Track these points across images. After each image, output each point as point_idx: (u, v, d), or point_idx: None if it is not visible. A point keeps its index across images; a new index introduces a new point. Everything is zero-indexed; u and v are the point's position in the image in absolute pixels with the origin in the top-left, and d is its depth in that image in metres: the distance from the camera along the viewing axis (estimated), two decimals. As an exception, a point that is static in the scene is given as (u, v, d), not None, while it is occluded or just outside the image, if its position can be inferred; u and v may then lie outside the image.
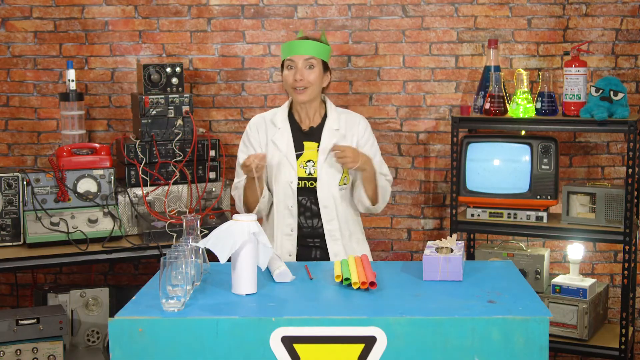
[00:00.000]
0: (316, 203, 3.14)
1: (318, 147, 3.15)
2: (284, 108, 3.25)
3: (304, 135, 3.19)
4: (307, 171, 3.15)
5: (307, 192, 3.15)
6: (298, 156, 3.15)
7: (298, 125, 3.21)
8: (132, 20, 4.26)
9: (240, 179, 3.21)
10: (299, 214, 3.15)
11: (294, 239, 3.15)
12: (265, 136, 3.21)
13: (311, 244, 3.17)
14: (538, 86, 3.92)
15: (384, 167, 3.27)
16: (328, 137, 3.16)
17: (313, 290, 2.56)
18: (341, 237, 3.16)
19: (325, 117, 3.22)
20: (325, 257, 3.16)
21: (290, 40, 3.18)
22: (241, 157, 3.21)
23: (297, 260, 3.14)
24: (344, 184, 3.17)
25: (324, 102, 3.25)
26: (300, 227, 3.16)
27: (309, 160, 3.15)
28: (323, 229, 3.15)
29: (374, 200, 3.18)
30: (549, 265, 4.10)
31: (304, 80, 3.09)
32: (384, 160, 3.30)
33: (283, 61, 3.16)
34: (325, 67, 3.17)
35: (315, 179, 3.13)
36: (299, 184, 3.13)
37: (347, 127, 3.21)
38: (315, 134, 3.18)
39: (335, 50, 4.22)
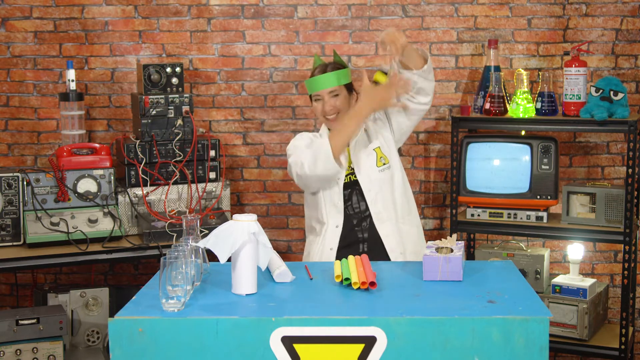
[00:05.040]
0: (361, 190, 3.23)
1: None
2: (325, 127, 3.37)
3: None
4: (350, 167, 3.26)
5: (351, 185, 3.25)
6: None
7: None
8: (132, 20, 4.26)
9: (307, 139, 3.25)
10: (346, 207, 3.24)
11: (338, 234, 3.22)
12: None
13: (360, 236, 3.23)
14: (538, 86, 3.92)
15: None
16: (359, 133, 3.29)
17: (313, 290, 2.56)
18: (388, 219, 3.22)
19: None
20: (374, 246, 3.21)
21: (312, 77, 3.26)
22: (299, 141, 3.27)
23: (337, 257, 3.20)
24: (383, 164, 3.27)
25: None
26: (347, 218, 3.23)
27: (350, 164, 3.27)
28: (370, 212, 3.21)
29: (420, 62, 3.15)
30: (549, 265, 4.10)
31: (332, 108, 3.23)
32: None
33: (310, 95, 3.30)
34: (349, 87, 3.30)
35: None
36: (345, 179, 3.24)
37: (371, 127, 3.34)
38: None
39: (336, 50, 4.22)
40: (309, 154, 3.13)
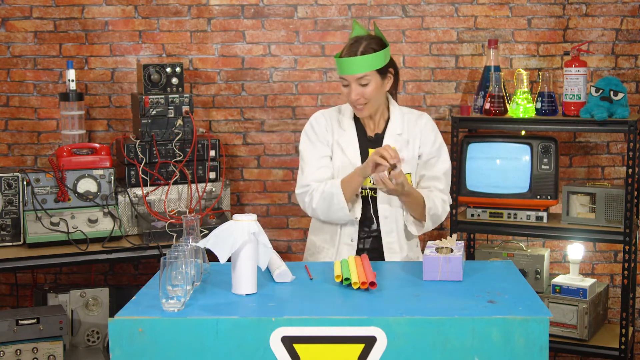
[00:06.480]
0: (377, 213, 2.99)
1: None
2: (349, 108, 3.04)
3: (369, 142, 3.02)
4: (371, 180, 2.93)
5: (369, 201, 2.99)
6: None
7: (363, 129, 3.04)
8: (132, 20, 4.26)
9: (313, 179, 2.97)
10: (360, 223, 3.00)
11: (354, 248, 3.00)
12: (331, 136, 3.03)
13: (369, 256, 2.89)
14: (538, 86, 3.92)
15: (445, 181, 3.02)
16: (390, 143, 2.92)
17: (313, 290, 2.55)
18: (400, 251, 3.01)
19: (389, 120, 3.04)
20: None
21: (343, 55, 2.90)
22: (308, 152, 3.01)
23: None
24: None
25: (389, 102, 3.06)
26: (359, 237, 3.01)
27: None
28: (382, 240, 3.01)
29: (420, 221, 2.98)
30: (549, 265, 4.10)
31: (360, 98, 2.90)
32: None
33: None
34: (384, 70, 2.94)
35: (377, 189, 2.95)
36: (362, 192, 2.98)
37: (409, 129, 3.03)
38: (380, 141, 3.00)
39: (335, 50, 4.22)
40: (321, 203, 2.90)
